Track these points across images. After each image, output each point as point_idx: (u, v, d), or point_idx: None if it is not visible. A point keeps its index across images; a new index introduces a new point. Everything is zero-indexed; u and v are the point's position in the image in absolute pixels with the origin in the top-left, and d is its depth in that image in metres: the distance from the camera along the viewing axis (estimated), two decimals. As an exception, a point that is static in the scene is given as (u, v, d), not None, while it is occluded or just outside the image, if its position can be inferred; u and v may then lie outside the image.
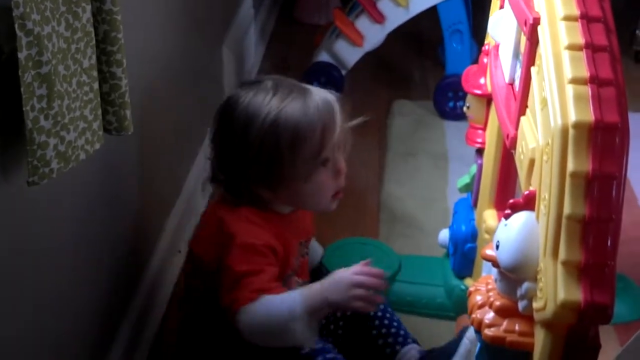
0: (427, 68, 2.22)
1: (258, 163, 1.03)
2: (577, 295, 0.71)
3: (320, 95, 1.05)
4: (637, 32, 2.16)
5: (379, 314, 1.20)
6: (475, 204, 1.28)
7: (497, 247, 0.81)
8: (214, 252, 1.03)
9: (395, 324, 1.20)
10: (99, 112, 0.83)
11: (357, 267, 0.98)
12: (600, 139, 0.70)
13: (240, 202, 1.06)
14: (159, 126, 1.36)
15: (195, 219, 1.55)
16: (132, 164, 1.23)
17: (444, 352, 1.12)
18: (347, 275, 0.97)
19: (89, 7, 0.78)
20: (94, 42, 0.80)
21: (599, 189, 0.70)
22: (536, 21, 0.80)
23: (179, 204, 1.48)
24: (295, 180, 1.04)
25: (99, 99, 0.82)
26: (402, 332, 1.19)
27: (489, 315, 0.83)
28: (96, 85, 0.81)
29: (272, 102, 1.03)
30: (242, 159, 1.04)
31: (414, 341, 1.19)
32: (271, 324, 0.97)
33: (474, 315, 0.84)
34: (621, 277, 1.37)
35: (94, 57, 0.81)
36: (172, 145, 1.45)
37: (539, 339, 0.78)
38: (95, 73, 0.81)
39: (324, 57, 1.99)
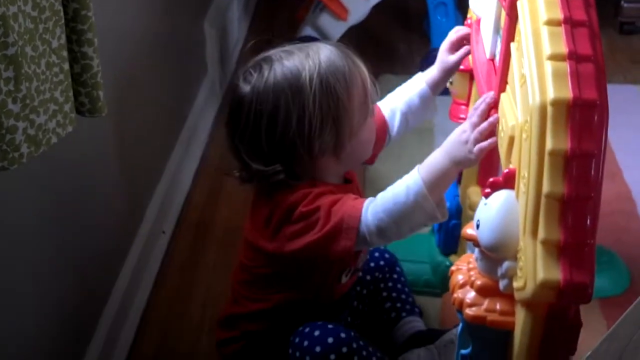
0: (413, 41, 2.19)
1: (323, 128, 0.96)
2: (557, 274, 0.70)
3: (323, 42, 1.02)
4: (622, 3, 2.14)
5: (395, 276, 1.21)
6: (459, 181, 1.28)
7: (478, 226, 0.80)
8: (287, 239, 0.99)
9: (406, 289, 1.21)
10: (71, 93, 0.81)
11: (469, 117, 0.94)
12: (579, 116, 0.69)
13: (298, 184, 0.99)
14: (139, 105, 1.34)
15: (178, 199, 1.55)
16: (112, 144, 1.22)
17: (438, 337, 1.13)
18: (463, 127, 0.93)
19: (56, -14, 0.76)
20: (63, 21, 0.78)
21: (577, 167, 0.69)
22: (515, -4, 0.79)
23: (162, 183, 1.47)
24: (356, 132, 0.99)
25: (70, 80, 0.80)
26: (410, 300, 1.21)
27: (470, 295, 0.82)
28: (66, 66, 0.79)
29: (303, 65, 0.96)
30: (306, 136, 0.96)
31: (419, 313, 1.21)
32: (397, 208, 0.93)
33: (455, 295, 0.84)
34: (605, 251, 1.37)
35: (64, 36, 0.78)
36: (153, 124, 1.44)
37: (520, 318, 0.78)
38: (65, 53, 0.79)
39: (308, 31, 1.96)
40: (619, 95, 1.90)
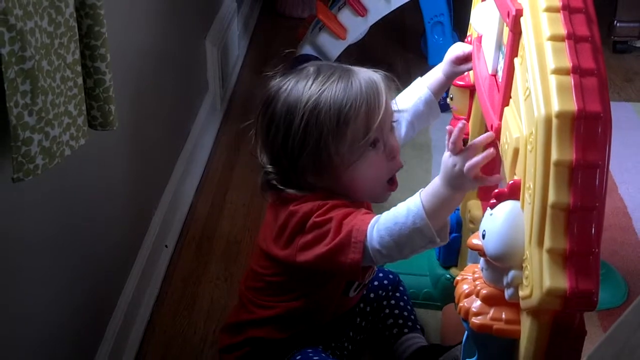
0: (410, 60, 2.22)
1: (304, 153, 0.99)
2: (563, 282, 0.71)
3: (364, 74, 1.02)
4: (616, 22, 2.18)
5: (397, 294, 1.22)
6: (459, 194, 1.29)
7: (484, 236, 0.82)
8: (290, 243, 1.01)
9: (408, 307, 1.22)
10: (84, 107, 0.82)
11: (451, 149, 0.92)
12: (583, 129, 0.71)
13: (308, 194, 1.01)
14: (142, 121, 1.35)
15: (180, 213, 1.56)
16: (115, 160, 1.23)
17: (441, 353, 1.13)
18: (453, 161, 0.91)
19: (71, 2, 0.78)
20: (77, 36, 0.80)
21: (582, 178, 0.71)
22: (519, 13, 0.81)
23: (165, 197, 1.48)
24: (345, 166, 1.00)
25: (83, 94, 0.82)
26: (412, 317, 1.21)
27: (476, 304, 0.84)
28: (80, 81, 0.81)
29: (312, 87, 1.00)
30: (288, 151, 1.00)
31: (421, 329, 1.22)
32: (397, 229, 0.93)
33: (461, 304, 0.85)
34: (603, 263, 1.39)
35: (78, 52, 0.80)
36: (156, 140, 1.45)
37: (525, 327, 0.79)
38: (79, 68, 0.80)
39: (307, 50, 1.98)
40: (613, 113, 1.92)
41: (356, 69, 1.04)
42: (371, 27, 1.98)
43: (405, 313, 1.22)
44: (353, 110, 0.99)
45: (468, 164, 0.89)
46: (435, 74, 1.16)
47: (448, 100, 1.28)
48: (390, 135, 1.04)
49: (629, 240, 1.50)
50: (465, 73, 1.21)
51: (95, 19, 0.81)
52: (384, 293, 1.22)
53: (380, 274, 1.24)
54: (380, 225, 0.95)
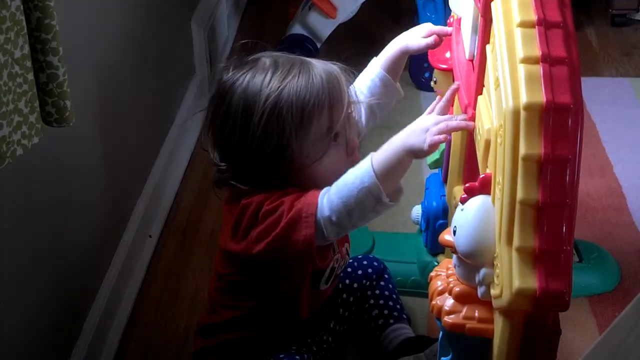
0: (404, 37, 2.17)
1: (265, 152, 0.95)
2: (532, 282, 0.68)
3: (323, 67, 0.98)
4: (614, -5, 2.12)
5: (382, 283, 1.19)
6: (445, 180, 1.26)
7: (455, 232, 0.79)
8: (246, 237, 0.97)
9: (394, 296, 1.19)
10: (36, 104, 0.79)
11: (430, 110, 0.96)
12: (553, 121, 0.67)
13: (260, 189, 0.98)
14: (125, 108, 1.32)
15: (165, 202, 1.54)
16: (97, 147, 1.21)
17: (427, 345, 1.11)
18: (422, 119, 0.93)
19: (18, -5, 0.74)
20: (25, 31, 0.76)
21: (552, 173, 0.67)
22: (489, -4, 0.77)
23: (147, 187, 1.45)
24: (308, 164, 0.97)
25: (35, 90, 0.78)
26: (398, 307, 1.19)
27: (449, 302, 0.81)
28: (31, 76, 0.77)
29: (272, 82, 0.95)
30: (246, 150, 0.95)
31: (407, 319, 1.19)
32: (347, 189, 0.91)
33: (433, 302, 0.82)
34: (595, 247, 1.36)
35: (27, 46, 0.77)
36: (140, 127, 1.42)
37: (498, 326, 0.76)
38: (28, 63, 0.77)
39: (297, 29, 1.95)
40: (610, 88, 1.89)
41: (313, 61, 0.99)
42: (363, 4, 1.94)
43: (391, 303, 1.19)
44: (316, 106, 0.95)
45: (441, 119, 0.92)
46: (390, 50, 1.10)
47: (432, 83, 1.24)
48: (351, 130, 1.00)
49: (623, 221, 1.46)
50: (448, 56, 1.18)
51: (45, 11, 0.77)
52: (368, 283, 1.20)
53: (365, 262, 1.21)
54: (332, 189, 0.93)
